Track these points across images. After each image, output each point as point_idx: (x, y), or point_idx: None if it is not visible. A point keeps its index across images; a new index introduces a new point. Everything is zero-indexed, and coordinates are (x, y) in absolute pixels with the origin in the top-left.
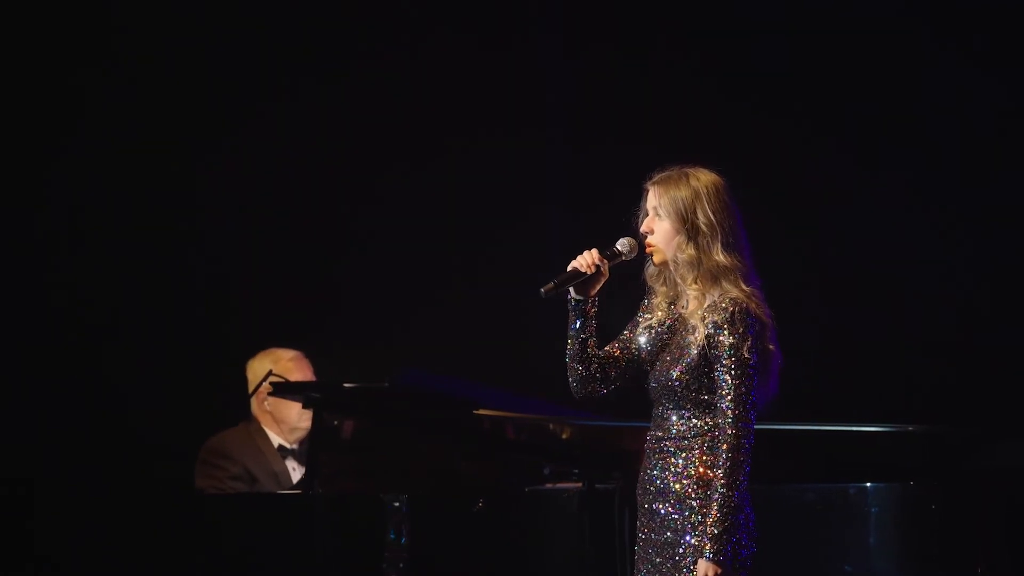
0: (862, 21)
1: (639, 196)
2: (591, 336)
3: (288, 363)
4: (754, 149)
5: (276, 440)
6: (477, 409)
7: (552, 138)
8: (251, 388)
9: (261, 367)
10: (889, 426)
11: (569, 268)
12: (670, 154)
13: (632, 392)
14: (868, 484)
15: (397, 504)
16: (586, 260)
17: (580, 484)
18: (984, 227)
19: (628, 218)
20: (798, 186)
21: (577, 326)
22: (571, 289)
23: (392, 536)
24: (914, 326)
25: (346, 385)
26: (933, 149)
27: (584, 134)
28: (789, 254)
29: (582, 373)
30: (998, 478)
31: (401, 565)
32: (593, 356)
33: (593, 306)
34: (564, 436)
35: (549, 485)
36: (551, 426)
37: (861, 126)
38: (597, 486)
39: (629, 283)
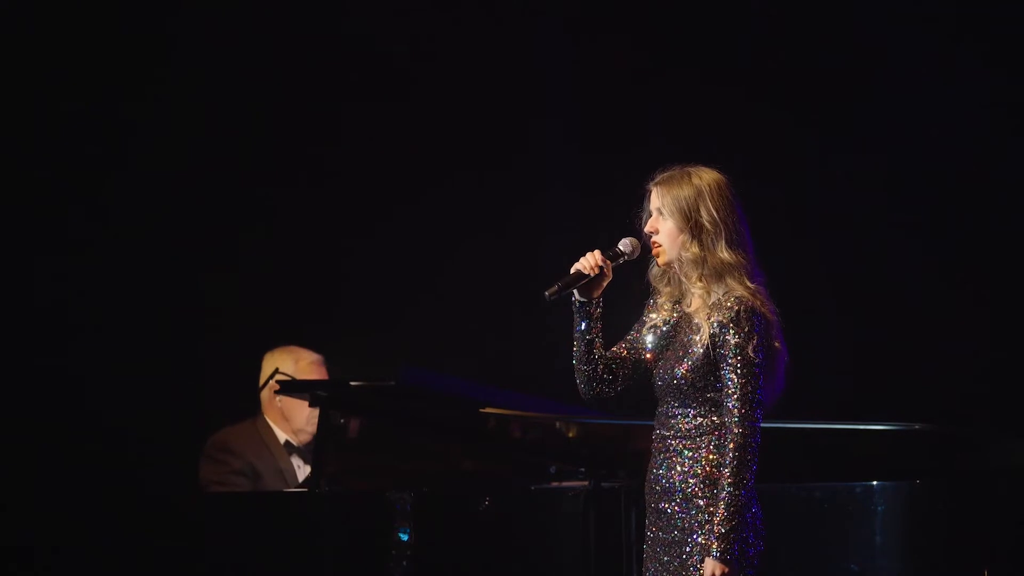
0: (871, 18)
1: (642, 196)
2: (597, 337)
3: (308, 365)
4: (757, 149)
5: (283, 436)
6: (483, 407)
7: (555, 136)
8: (262, 381)
9: (278, 362)
10: (896, 425)
11: (572, 270)
12: (673, 154)
13: (638, 391)
14: (875, 483)
15: (403, 502)
16: (589, 262)
17: (586, 483)
18: (983, 225)
19: (630, 219)
20: (805, 185)
21: (583, 328)
22: (575, 291)
23: (398, 534)
24: (917, 324)
25: (352, 383)
26: (935, 148)
27: (588, 132)
28: (795, 253)
29: (589, 374)
30: (1005, 477)
31: (406, 563)
32: (600, 357)
33: (598, 307)
34: (570, 435)
35: (555, 484)
36: (557, 425)
37: (866, 123)
38: (603, 485)
39: (635, 283)
